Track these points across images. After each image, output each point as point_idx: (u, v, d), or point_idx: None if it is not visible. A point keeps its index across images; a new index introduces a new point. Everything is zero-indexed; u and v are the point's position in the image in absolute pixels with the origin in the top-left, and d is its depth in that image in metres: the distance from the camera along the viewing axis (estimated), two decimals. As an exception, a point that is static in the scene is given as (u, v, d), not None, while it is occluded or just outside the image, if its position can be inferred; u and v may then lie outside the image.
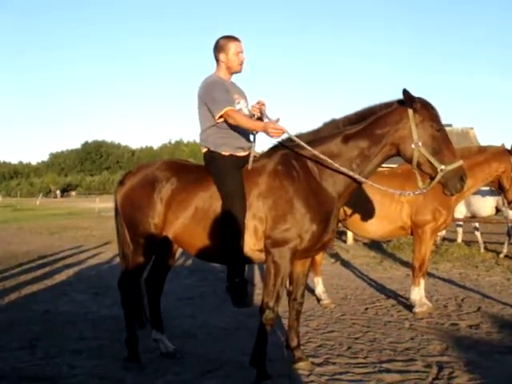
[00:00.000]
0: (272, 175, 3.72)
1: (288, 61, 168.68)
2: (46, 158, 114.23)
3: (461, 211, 10.23)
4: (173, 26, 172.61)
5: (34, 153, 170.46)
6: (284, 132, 3.63)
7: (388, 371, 3.95)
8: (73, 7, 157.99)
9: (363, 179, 3.64)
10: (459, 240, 11.19)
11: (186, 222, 3.90)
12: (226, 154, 3.90)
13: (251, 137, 4.04)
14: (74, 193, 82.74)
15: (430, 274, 7.53)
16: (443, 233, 10.69)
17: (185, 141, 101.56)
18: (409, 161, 3.55)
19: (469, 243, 10.97)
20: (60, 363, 4.18)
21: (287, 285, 6.92)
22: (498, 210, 10.23)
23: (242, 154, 3.96)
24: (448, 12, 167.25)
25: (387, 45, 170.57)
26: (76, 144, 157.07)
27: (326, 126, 3.78)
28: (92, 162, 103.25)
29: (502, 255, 9.65)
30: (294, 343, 4.09)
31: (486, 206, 10.04)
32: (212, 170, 3.92)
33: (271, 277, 3.61)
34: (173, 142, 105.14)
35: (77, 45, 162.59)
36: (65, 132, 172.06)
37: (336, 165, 3.57)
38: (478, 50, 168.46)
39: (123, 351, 4.25)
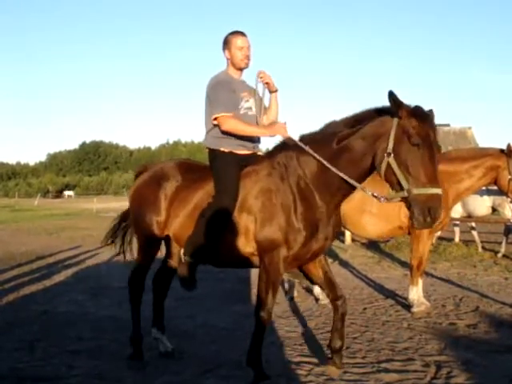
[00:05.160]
0: (265, 177, 3.68)
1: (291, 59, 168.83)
2: (44, 158, 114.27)
3: (457, 211, 10.25)
4: (172, 26, 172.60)
5: (32, 153, 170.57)
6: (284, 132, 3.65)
7: (386, 371, 3.96)
8: (70, 7, 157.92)
9: (357, 184, 3.41)
10: (457, 239, 11.22)
11: (184, 219, 3.92)
12: (226, 150, 3.86)
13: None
14: (71, 193, 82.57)
15: (428, 274, 7.55)
16: (438, 232, 10.73)
17: (183, 141, 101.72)
18: (378, 172, 3.30)
19: (467, 243, 10.99)
20: (59, 363, 4.19)
21: (285, 283, 6.94)
22: (493, 210, 10.26)
23: (244, 151, 3.90)
24: (446, 9, 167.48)
25: (384, 43, 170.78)
26: (74, 144, 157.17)
27: (326, 127, 3.64)
28: (90, 162, 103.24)
29: (499, 255, 9.67)
30: (337, 345, 3.82)
31: (482, 205, 10.06)
32: (212, 166, 3.91)
33: (262, 282, 3.60)
34: (171, 142, 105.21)
35: (74, 45, 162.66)
36: (63, 132, 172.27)
37: (334, 169, 3.40)
38: (477, 47, 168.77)
39: (122, 351, 4.26)
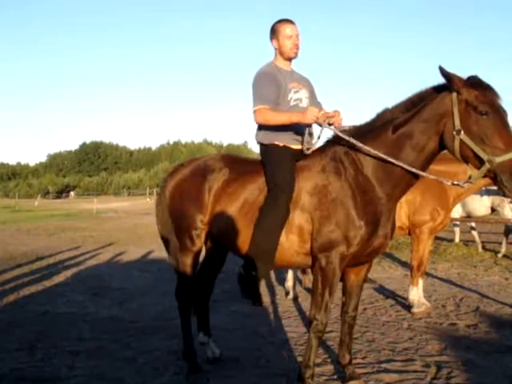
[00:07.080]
0: (320, 173, 3.47)
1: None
2: (44, 159, 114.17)
3: (457, 211, 10.25)
4: (171, 26, 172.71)
5: (32, 154, 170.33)
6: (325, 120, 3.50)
7: (387, 371, 3.95)
8: (71, 7, 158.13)
9: (422, 173, 3.24)
10: (457, 240, 11.22)
11: (232, 215, 3.65)
12: (280, 144, 3.67)
13: (308, 130, 3.76)
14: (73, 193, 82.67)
15: (428, 274, 7.54)
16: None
17: (183, 141, 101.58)
18: (452, 153, 3.09)
19: (467, 243, 10.99)
20: (59, 364, 4.19)
21: (286, 282, 6.90)
22: (493, 210, 10.26)
23: (298, 146, 3.70)
24: (445, 8, 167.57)
25: (384, 42, 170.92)
26: (74, 145, 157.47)
27: (379, 116, 3.42)
28: (90, 162, 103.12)
29: (500, 255, 9.66)
30: (345, 360, 3.78)
31: (482, 205, 10.06)
32: (265, 160, 3.69)
33: (318, 285, 3.34)
34: (171, 142, 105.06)
35: (74, 45, 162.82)
36: (63, 133, 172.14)
37: (393, 160, 3.21)
38: (478, 47, 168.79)
39: (122, 351, 4.25)
